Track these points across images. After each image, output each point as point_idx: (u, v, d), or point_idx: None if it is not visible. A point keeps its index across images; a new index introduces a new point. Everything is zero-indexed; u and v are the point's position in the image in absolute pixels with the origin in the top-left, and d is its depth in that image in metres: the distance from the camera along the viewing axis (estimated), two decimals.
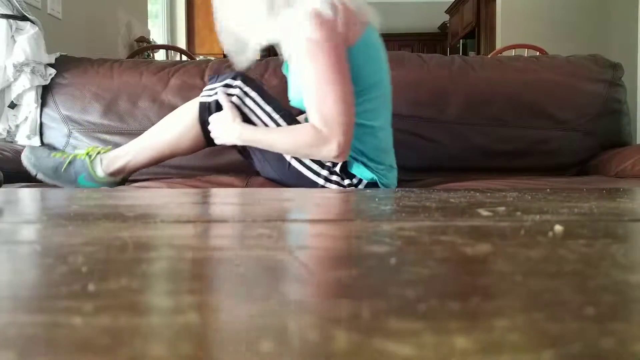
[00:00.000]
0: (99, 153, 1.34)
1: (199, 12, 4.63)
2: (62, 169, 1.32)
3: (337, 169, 1.21)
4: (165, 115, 1.76)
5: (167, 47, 3.31)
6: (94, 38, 2.44)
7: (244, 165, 1.74)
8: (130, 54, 2.78)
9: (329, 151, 1.14)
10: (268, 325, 0.17)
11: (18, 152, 1.55)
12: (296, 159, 1.23)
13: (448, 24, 6.96)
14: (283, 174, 1.25)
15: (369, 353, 0.15)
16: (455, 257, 0.29)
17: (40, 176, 1.34)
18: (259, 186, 1.34)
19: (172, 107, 1.75)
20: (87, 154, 1.34)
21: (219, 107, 1.24)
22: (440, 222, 0.42)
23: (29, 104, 1.73)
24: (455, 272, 0.26)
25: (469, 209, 0.51)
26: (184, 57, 3.05)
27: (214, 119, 1.25)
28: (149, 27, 3.34)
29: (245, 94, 1.24)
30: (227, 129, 1.23)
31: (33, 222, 0.44)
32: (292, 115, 1.28)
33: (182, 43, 4.37)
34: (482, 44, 5.40)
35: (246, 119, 1.24)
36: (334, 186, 1.22)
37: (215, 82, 1.28)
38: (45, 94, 1.78)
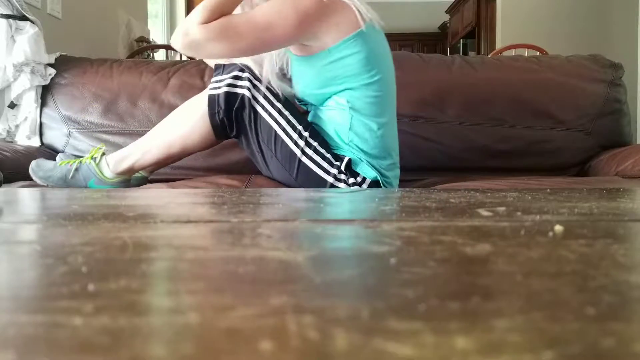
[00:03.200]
0: (103, 155, 1.33)
1: None
2: (70, 177, 1.31)
3: (343, 167, 1.22)
4: (165, 115, 1.77)
5: (167, 47, 3.30)
6: (93, 38, 2.44)
7: (245, 166, 1.74)
8: (130, 54, 2.78)
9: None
10: (268, 325, 0.17)
11: (18, 152, 1.55)
12: (307, 156, 1.22)
13: (448, 24, 6.96)
14: (291, 172, 1.24)
15: (369, 353, 0.15)
16: (455, 257, 0.29)
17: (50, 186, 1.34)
18: (259, 186, 1.34)
19: (172, 107, 1.75)
20: (92, 157, 1.33)
21: (227, 100, 1.22)
22: (440, 222, 0.42)
23: (29, 104, 1.73)
24: (455, 272, 0.26)
25: (469, 209, 0.51)
26: (184, 57, 3.05)
27: None
28: (149, 27, 3.34)
29: (255, 87, 1.23)
30: None
31: (33, 222, 0.44)
32: (299, 113, 1.28)
33: None
34: (482, 44, 5.39)
35: (255, 114, 1.23)
36: (342, 185, 1.22)
37: (222, 73, 1.25)
38: (45, 94, 1.78)
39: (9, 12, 1.70)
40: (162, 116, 1.74)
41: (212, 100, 1.23)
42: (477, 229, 0.38)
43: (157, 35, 3.98)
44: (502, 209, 0.49)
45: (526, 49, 2.66)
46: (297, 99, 1.33)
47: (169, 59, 3.41)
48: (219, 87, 1.24)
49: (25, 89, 1.70)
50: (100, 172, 1.30)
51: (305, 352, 0.15)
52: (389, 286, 0.22)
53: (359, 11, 1.20)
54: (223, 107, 1.22)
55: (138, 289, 0.22)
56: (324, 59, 1.21)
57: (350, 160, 1.22)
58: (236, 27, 1.13)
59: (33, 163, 1.36)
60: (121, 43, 2.78)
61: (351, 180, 1.22)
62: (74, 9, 2.24)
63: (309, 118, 1.34)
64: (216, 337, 0.17)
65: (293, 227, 0.38)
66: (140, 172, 1.37)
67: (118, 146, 1.75)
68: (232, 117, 1.23)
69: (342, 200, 0.59)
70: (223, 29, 1.12)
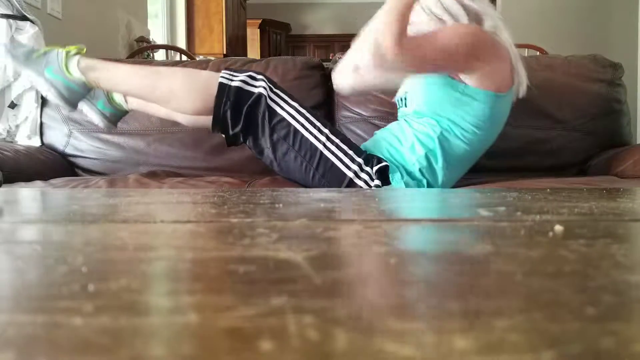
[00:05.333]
0: (79, 53, 1.28)
1: (199, 12, 4.63)
2: (35, 56, 1.26)
3: (375, 169, 1.22)
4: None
5: (167, 47, 3.31)
6: (93, 38, 2.44)
7: (245, 165, 1.74)
8: (130, 54, 2.78)
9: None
10: (268, 325, 0.17)
11: (18, 152, 1.55)
12: (329, 150, 1.23)
13: None
14: (310, 165, 1.24)
15: (369, 353, 0.15)
16: (455, 257, 0.29)
17: (9, 59, 1.30)
18: (260, 186, 1.34)
19: None
20: (66, 50, 1.28)
21: (239, 95, 1.21)
22: (440, 222, 0.42)
23: (29, 103, 1.73)
24: (455, 272, 0.26)
25: (469, 209, 0.51)
26: (184, 57, 3.05)
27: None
28: (149, 27, 3.34)
29: (271, 89, 1.24)
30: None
31: (33, 222, 0.44)
32: (316, 112, 1.29)
33: (182, 43, 4.37)
34: None
35: (272, 112, 1.23)
36: (361, 182, 1.22)
37: (235, 71, 1.26)
38: None
39: (9, 12, 1.70)
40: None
41: (223, 88, 1.21)
42: (477, 228, 0.38)
43: (157, 35, 3.99)
44: (502, 209, 0.49)
45: (526, 49, 2.66)
46: (397, 97, 1.36)
47: (169, 59, 3.41)
48: (231, 80, 1.23)
49: (25, 89, 1.70)
50: (66, 64, 1.25)
51: (305, 352, 0.15)
52: (389, 286, 0.22)
53: (516, 71, 1.27)
54: (232, 100, 1.21)
55: (138, 289, 0.22)
56: (456, 90, 1.23)
57: (386, 166, 1.22)
58: (424, 55, 1.18)
59: (11, 39, 1.33)
60: (121, 43, 2.78)
61: (375, 183, 1.22)
62: (74, 9, 2.24)
63: (389, 126, 1.36)
64: (216, 337, 0.17)
65: (293, 227, 0.38)
66: (121, 101, 1.38)
67: (119, 146, 1.75)
68: (239, 113, 1.22)
69: (342, 201, 0.59)
70: (414, 58, 1.18)
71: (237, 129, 1.25)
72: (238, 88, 1.22)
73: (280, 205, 0.52)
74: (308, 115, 1.25)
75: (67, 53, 1.27)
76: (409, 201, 0.61)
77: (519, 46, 2.85)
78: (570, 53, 1.90)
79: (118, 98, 1.40)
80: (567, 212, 0.46)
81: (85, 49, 1.31)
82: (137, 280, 0.24)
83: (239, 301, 0.20)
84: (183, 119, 1.38)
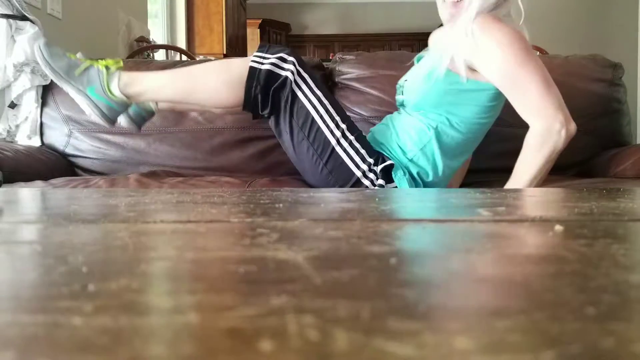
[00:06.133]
0: (119, 69, 1.28)
1: (199, 12, 4.63)
2: (77, 73, 1.25)
3: (380, 168, 1.22)
4: (166, 115, 1.76)
5: (167, 47, 3.31)
6: (94, 38, 2.44)
7: (247, 166, 1.74)
8: (130, 54, 2.78)
9: (559, 137, 1.14)
10: (268, 325, 0.17)
11: (18, 152, 1.55)
12: (342, 147, 1.23)
13: None
14: (320, 158, 1.24)
15: (369, 353, 0.15)
16: (455, 257, 0.29)
17: (48, 72, 1.27)
18: (260, 186, 1.34)
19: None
20: (105, 66, 1.27)
21: (268, 78, 1.21)
22: (440, 222, 0.42)
23: (29, 103, 1.73)
24: (456, 272, 0.26)
25: (469, 209, 0.51)
26: (184, 57, 3.05)
27: None
28: (149, 27, 3.34)
29: (299, 73, 1.23)
30: None
31: (33, 222, 0.44)
32: (338, 103, 1.29)
33: (182, 43, 4.37)
34: None
35: (294, 97, 1.23)
36: (368, 182, 1.22)
37: (266, 52, 1.24)
38: (46, 93, 1.78)
39: (9, 12, 1.70)
40: (162, 116, 1.74)
41: (253, 72, 1.22)
42: (477, 228, 0.38)
43: (157, 35, 3.98)
44: (502, 209, 0.49)
45: None
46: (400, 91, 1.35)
47: (169, 59, 3.41)
48: (262, 63, 1.22)
49: (25, 88, 1.70)
50: (108, 83, 1.25)
51: (305, 352, 0.15)
52: (389, 286, 0.22)
53: None
54: (262, 84, 1.21)
55: (138, 289, 0.22)
56: (456, 82, 1.22)
57: (392, 165, 1.22)
58: (541, 96, 1.23)
59: (42, 41, 1.27)
60: (121, 43, 2.78)
61: (379, 182, 1.22)
62: (74, 9, 2.24)
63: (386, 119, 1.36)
64: (216, 337, 0.17)
65: (293, 227, 0.38)
66: (150, 104, 1.35)
67: (119, 146, 1.75)
68: (267, 96, 1.23)
69: (343, 200, 0.59)
70: (557, 102, 1.24)
71: (266, 111, 1.25)
72: (268, 71, 1.22)
73: (280, 205, 0.52)
74: (329, 106, 1.24)
75: (108, 70, 1.27)
76: (409, 201, 0.61)
77: None
78: (570, 53, 1.90)
79: (114, 86, 1.36)
80: (567, 212, 0.46)
81: (121, 61, 1.31)
82: (137, 280, 0.24)
83: (239, 301, 0.20)
84: (217, 109, 1.40)
